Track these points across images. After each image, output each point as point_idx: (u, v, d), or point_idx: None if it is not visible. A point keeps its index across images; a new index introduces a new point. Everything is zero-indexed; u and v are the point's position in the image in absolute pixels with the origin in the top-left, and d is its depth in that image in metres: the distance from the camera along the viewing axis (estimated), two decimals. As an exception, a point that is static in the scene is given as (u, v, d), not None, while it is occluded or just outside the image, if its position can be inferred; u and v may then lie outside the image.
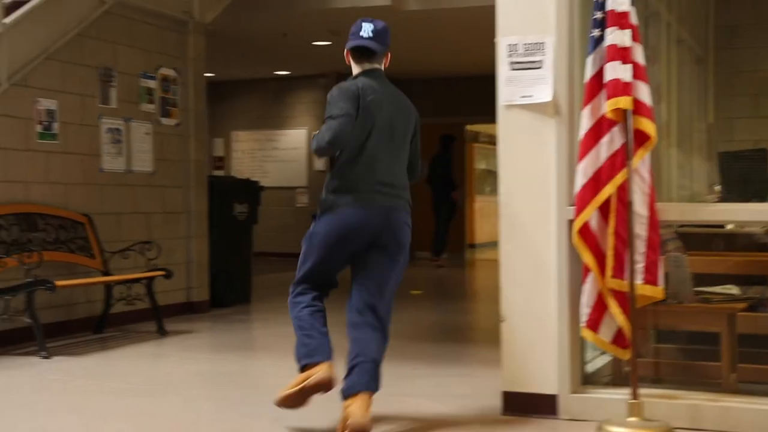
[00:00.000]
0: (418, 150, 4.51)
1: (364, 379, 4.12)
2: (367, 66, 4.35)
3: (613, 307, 4.10)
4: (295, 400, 4.16)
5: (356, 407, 4.01)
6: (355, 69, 4.37)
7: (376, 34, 4.31)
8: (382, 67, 4.40)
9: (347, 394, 4.10)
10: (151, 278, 7.25)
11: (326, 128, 4.13)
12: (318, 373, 4.11)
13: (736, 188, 5.19)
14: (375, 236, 4.24)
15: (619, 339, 4.16)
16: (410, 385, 5.19)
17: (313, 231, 4.37)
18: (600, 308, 4.15)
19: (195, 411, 4.70)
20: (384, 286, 4.32)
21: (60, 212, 7.08)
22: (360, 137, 4.20)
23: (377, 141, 4.24)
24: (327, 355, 4.21)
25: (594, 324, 4.17)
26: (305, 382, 4.12)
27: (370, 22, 4.33)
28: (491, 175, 20.51)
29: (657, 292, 4.11)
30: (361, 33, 4.31)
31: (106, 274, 7.25)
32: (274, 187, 15.40)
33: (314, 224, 4.38)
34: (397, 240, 4.28)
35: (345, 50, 4.38)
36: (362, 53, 4.34)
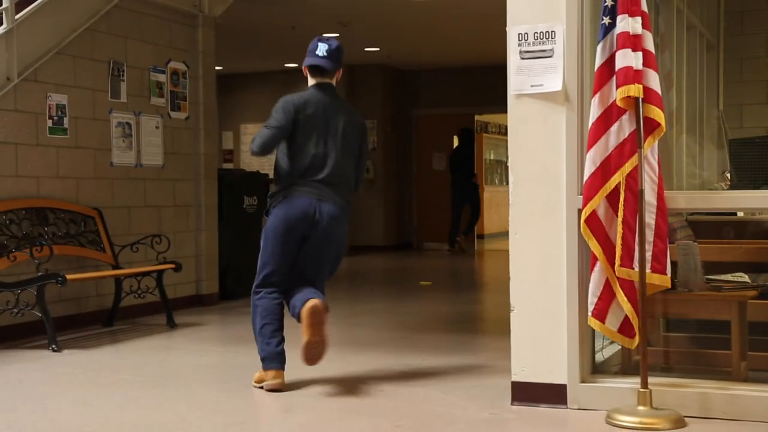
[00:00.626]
0: (363, 153, 5.13)
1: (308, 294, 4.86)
2: (319, 80, 5.00)
3: (621, 296, 4.09)
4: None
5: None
6: (310, 82, 5.04)
7: (329, 53, 4.96)
8: (334, 82, 5.05)
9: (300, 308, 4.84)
10: (161, 271, 7.28)
11: (258, 136, 4.92)
12: (271, 380, 4.84)
13: (747, 175, 5.17)
14: (310, 228, 4.88)
15: (625, 328, 4.16)
16: (420, 375, 5.19)
17: (266, 226, 5.01)
18: (607, 297, 4.15)
19: (205, 403, 4.72)
20: (319, 273, 5.04)
21: (70, 206, 7.10)
22: (301, 142, 4.90)
23: (316, 145, 4.91)
24: (281, 364, 4.91)
25: (601, 313, 4.17)
26: (263, 384, 4.88)
27: (326, 42, 4.98)
28: (500, 166, 20.49)
29: (665, 280, 4.10)
30: (317, 52, 4.96)
31: (116, 267, 7.28)
32: (283, 179, 15.37)
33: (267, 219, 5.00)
34: (328, 233, 4.91)
35: (303, 66, 5.03)
36: (316, 70, 5.00)
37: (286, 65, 16.04)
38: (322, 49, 4.95)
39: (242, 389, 4.99)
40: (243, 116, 16.88)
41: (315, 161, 4.90)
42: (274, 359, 4.87)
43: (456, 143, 15.80)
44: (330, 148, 4.92)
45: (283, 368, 4.88)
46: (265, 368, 4.87)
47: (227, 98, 15.93)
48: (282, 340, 4.94)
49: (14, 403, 4.66)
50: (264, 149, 4.89)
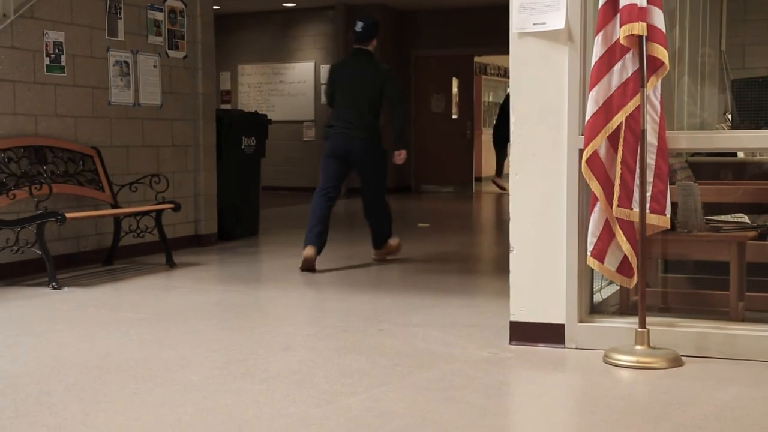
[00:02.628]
0: (392, 96, 7.11)
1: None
2: (357, 47, 7.19)
3: (620, 236, 4.10)
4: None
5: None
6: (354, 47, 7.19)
7: (363, 28, 7.12)
8: (370, 47, 7.15)
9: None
10: (160, 211, 7.28)
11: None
12: (304, 252, 6.79)
13: (749, 116, 5.14)
14: (346, 157, 7.06)
15: (624, 268, 4.17)
16: (418, 315, 5.23)
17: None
18: (606, 237, 4.15)
19: (206, 340, 4.75)
20: (367, 187, 7.25)
21: (69, 145, 7.08)
22: (336, 95, 7.13)
23: (343, 97, 7.07)
24: (313, 243, 6.82)
25: (600, 253, 4.18)
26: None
27: (362, 20, 7.12)
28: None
29: (664, 221, 4.10)
30: (355, 28, 7.13)
31: (115, 206, 7.28)
32: (281, 120, 15.37)
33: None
34: (358, 159, 7.06)
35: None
36: (354, 40, 7.19)
37: (285, 5, 15.88)
38: (358, 25, 7.12)
39: (242, 327, 5.03)
40: (241, 57, 16.75)
41: (343, 109, 7.02)
42: (308, 239, 6.83)
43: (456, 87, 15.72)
44: (354, 98, 7.00)
45: (314, 245, 6.80)
46: (303, 247, 6.82)
47: (225, 38, 15.79)
48: (319, 228, 6.85)
49: (16, 338, 4.69)
50: (328, 102, 7.31)
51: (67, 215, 6.28)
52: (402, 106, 7.22)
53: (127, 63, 7.67)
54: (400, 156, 7.23)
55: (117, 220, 7.29)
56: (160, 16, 8.04)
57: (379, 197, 7.21)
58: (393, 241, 7.43)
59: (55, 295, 5.94)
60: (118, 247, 7.32)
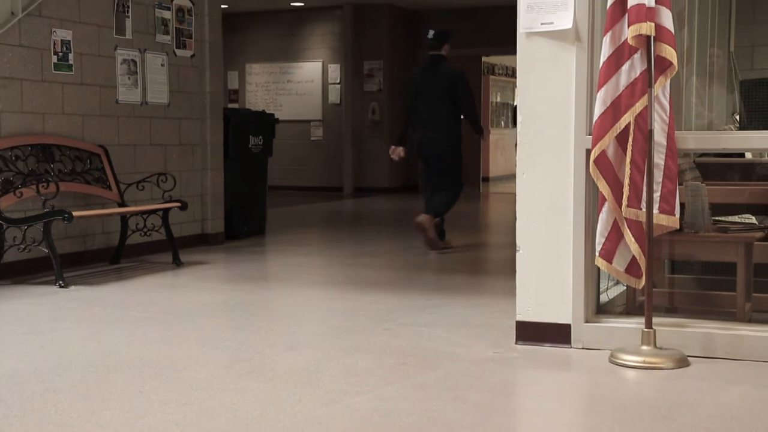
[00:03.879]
0: (462, 98, 7.93)
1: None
2: (431, 53, 8.05)
3: (628, 237, 4.09)
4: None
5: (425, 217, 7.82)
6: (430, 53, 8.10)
7: (434, 36, 8.02)
8: (443, 52, 7.99)
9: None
10: (167, 210, 7.28)
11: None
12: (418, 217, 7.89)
13: (758, 116, 5.13)
14: (423, 153, 7.99)
15: (632, 268, 4.16)
16: (424, 315, 5.23)
17: None
18: (614, 238, 4.15)
19: (212, 339, 4.75)
20: (438, 177, 8.00)
21: (76, 143, 7.09)
22: (414, 98, 8.00)
23: (418, 100, 7.97)
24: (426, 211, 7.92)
25: (608, 253, 4.17)
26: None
27: (433, 28, 8.09)
28: (506, 108, 20.38)
29: (673, 221, 4.09)
30: (427, 35, 8.05)
31: (122, 205, 7.29)
32: (288, 120, 15.38)
33: None
34: (431, 156, 7.97)
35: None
36: (428, 47, 8.08)
37: (293, 4, 15.89)
38: (430, 33, 8.03)
39: (249, 326, 5.03)
40: (248, 56, 16.76)
41: (419, 110, 7.92)
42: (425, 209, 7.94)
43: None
44: (429, 99, 7.86)
45: (428, 213, 7.81)
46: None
47: (233, 37, 15.81)
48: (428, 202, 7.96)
49: (23, 337, 4.70)
50: (406, 104, 8.19)
51: (74, 214, 6.28)
52: (472, 104, 8.08)
53: (134, 61, 7.68)
54: (484, 138, 8.66)
55: (124, 218, 7.30)
56: (167, 14, 8.04)
57: (449, 186, 7.96)
58: (430, 219, 7.86)
59: (62, 294, 5.94)
60: (125, 245, 7.33)
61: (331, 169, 16.27)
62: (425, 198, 8.05)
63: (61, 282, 6.13)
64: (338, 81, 16.10)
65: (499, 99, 19.86)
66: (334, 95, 16.20)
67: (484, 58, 16.72)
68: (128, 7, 7.58)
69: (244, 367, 4.07)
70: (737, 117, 5.85)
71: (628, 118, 4.02)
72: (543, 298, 4.40)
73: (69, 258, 6.86)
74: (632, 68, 4.01)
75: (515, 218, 4.45)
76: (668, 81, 4.02)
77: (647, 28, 3.90)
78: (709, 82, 6.38)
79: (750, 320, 4.39)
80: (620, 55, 4.02)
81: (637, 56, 4.00)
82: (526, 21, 4.32)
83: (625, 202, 4.06)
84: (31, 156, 6.65)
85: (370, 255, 7.91)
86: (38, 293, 5.96)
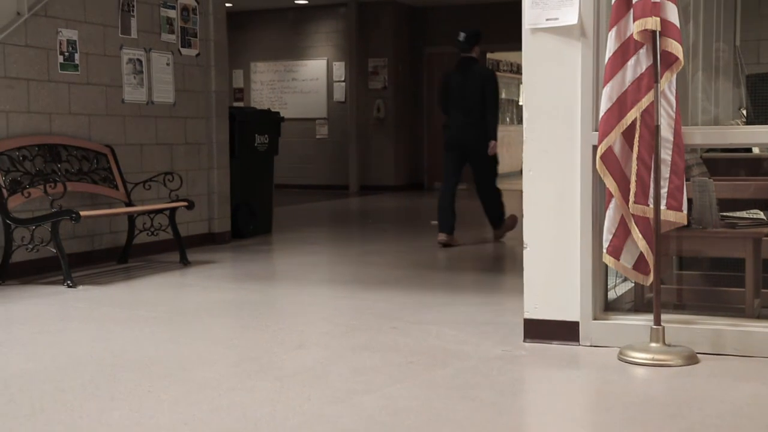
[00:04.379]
0: (490, 97, 8.13)
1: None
2: (463, 55, 8.30)
3: (636, 233, 4.08)
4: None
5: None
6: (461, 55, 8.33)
7: (465, 38, 8.22)
8: (474, 54, 8.26)
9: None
10: (174, 209, 7.29)
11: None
12: (439, 237, 8.18)
13: (765, 111, 5.11)
14: (461, 151, 8.25)
15: (640, 265, 4.15)
16: (432, 313, 5.22)
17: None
18: (622, 234, 4.14)
19: (220, 338, 4.76)
20: (478, 175, 8.41)
21: (83, 143, 7.10)
22: (450, 98, 8.25)
23: (454, 99, 8.22)
24: (444, 229, 8.20)
25: (616, 250, 4.16)
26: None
27: (464, 31, 8.23)
28: (512, 105, 20.35)
29: (681, 217, 4.08)
30: (458, 38, 8.23)
31: (129, 204, 7.30)
32: (293, 118, 15.38)
33: None
34: (470, 153, 8.26)
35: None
36: (460, 49, 8.30)
37: (297, 2, 15.89)
38: (461, 36, 8.22)
39: (256, 325, 5.03)
40: (253, 54, 16.77)
41: (456, 110, 8.19)
42: (442, 226, 8.15)
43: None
44: (463, 99, 8.14)
45: (446, 232, 8.11)
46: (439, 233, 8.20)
47: (238, 36, 15.82)
48: (446, 214, 8.16)
49: (32, 337, 4.71)
50: (441, 106, 8.51)
51: (82, 213, 6.29)
52: (496, 104, 8.28)
53: (140, 61, 7.69)
54: (491, 146, 8.26)
55: (131, 218, 7.31)
56: (172, 13, 8.05)
57: (490, 184, 8.38)
58: (507, 219, 8.51)
59: (70, 294, 5.95)
60: (132, 245, 7.34)
61: (337, 167, 16.27)
62: (444, 190, 8.29)
63: (69, 282, 6.14)
64: (343, 79, 16.10)
65: (504, 95, 19.82)
66: (339, 93, 16.19)
67: (489, 55, 16.68)
68: (133, 6, 7.59)
69: (253, 366, 4.07)
70: (744, 112, 5.83)
71: (634, 114, 4.01)
72: (551, 296, 4.39)
73: (77, 258, 6.87)
74: (638, 63, 4.00)
75: (523, 214, 4.45)
76: (674, 76, 4.00)
77: (653, 23, 3.89)
78: (715, 76, 6.36)
79: (759, 316, 4.38)
80: (626, 50, 4.01)
81: (642, 51, 3.99)
82: (531, 17, 4.31)
83: (632, 198, 4.05)
84: (38, 156, 6.66)
85: (376, 253, 7.91)
86: (46, 293, 5.97)
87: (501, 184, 8.72)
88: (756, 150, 5.39)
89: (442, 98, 8.47)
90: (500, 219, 8.58)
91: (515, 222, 8.48)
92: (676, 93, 4.06)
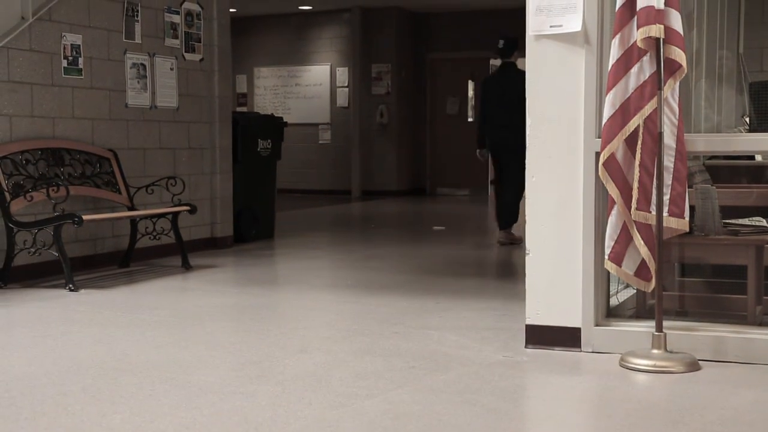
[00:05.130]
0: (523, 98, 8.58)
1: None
2: (503, 61, 8.75)
3: (638, 240, 4.08)
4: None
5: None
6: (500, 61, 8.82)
7: (504, 45, 8.62)
8: (513, 59, 8.63)
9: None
10: (176, 213, 7.30)
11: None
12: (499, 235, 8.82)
13: (767, 119, 5.11)
14: (500, 153, 8.76)
15: (642, 271, 4.15)
16: (434, 318, 5.22)
17: None
18: (624, 241, 4.14)
19: (222, 342, 4.76)
20: (511, 175, 8.60)
21: (86, 147, 7.11)
22: (489, 104, 8.71)
23: (493, 105, 8.63)
24: (503, 225, 8.84)
25: (617, 256, 4.16)
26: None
27: (503, 37, 8.62)
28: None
29: (683, 224, 4.08)
30: (498, 45, 8.64)
31: (132, 209, 7.31)
32: (296, 123, 15.39)
33: None
34: (506, 155, 8.65)
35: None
36: (500, 56, 8.73)
37: (301, 8, 15.91)
38: (500, 43, 8.60)
39: (258, 329, 5.03)
40: (257, 59, 16.79)
41: (496, 116, 8.61)
42: (501, 224, 8.76)
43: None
44: (502, 103, 8.48)
45: (504, 228, 8.74)
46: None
47: (241, 41, 15.83)
48: (499, 213, 8.83)
49: (34, 340, 4.71)
50: (480, 115, 8.97)
51: (84, 217, 6.30)
52: None
53: (144, 65, 7.70)
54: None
55: (133, 222, 7.32)
56: (176, 18, 8.06)
57: (519, 187, 8.23)
58: (517, 235, 8.63)
59: (72, 297, 5.96)
60: (134, 249, 7.35)
61: (339, 173, 16.28)
62: (500, 194, 8.85)
63: (71, 285, 6.15)
64: (346, 84, 16.12)
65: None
66: (342, 98, 16.21)
67: (491, 61, 16.69)
68: (137, 11, 7.61)
69: (254, 371, 4.07)
70: (747, 119, 5.83)
71: (637, 121, 4.01)
72: (553, 302, 4.39)
73: (79, 261, 6.88)
74: (641, 71, 4.00)
75: (525, 220, 4.46)
76: (677, 83, 4.01)
77: (656, 30, 3.90)
78: (718, 84, 6.37)
79: (761, 323, 4.38)
80: (629, 57, 4.01)
81: (646, 59, 3.99)
82: (534, 24, 4.32)
83: (634, 205, 4.06)
84: (41, 160, 6.68)
85: (379, 258, 7.91)
86: (48, 296, 5.97)
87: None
88: (758, 157, 5.39)
89: (481, 103, 8.81)
90: (510, 224, 8.74)
91: (520, 241, 8.46)
92: (679, 100, 4.06)
